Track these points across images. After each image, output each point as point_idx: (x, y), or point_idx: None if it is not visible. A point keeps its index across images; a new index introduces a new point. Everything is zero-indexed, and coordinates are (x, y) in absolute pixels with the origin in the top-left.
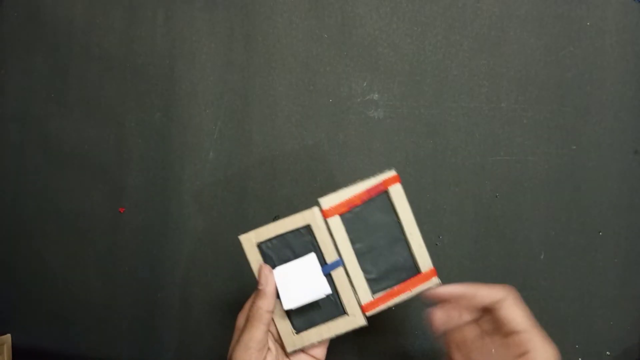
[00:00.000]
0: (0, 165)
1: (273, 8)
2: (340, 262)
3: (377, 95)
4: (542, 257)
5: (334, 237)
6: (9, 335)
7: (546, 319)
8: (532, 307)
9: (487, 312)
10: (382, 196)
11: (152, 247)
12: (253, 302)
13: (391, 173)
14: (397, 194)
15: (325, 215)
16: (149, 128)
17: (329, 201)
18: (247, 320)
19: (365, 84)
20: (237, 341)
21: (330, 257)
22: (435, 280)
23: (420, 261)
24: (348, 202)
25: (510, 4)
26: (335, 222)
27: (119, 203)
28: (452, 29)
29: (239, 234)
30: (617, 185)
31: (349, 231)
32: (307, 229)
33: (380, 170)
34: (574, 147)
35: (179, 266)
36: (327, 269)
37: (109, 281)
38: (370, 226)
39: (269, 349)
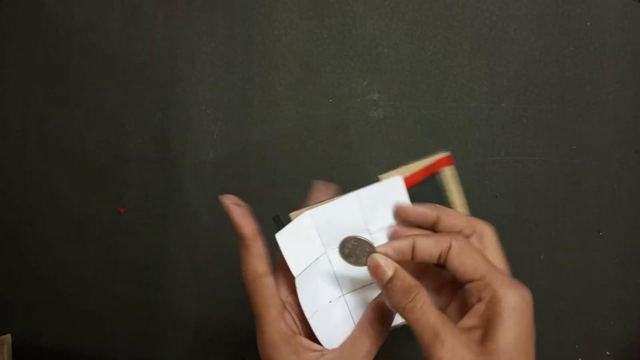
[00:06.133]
0: (0, 165)
1: (273, 8)
2: None
3: (377, 95)
4: (542, 257)
5: None
6: (9, 335)
7: (546, 319)
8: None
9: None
10: (435, 177)
11: (152, 247)
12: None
13: (445, 153)
14: (451, 175)
15: None
16: (149, 128)
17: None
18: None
19: (365, 84)
20: None
21: None
22: None
23: None
24: (407, 180)
25: (510, 4)
26: None
27: (119, 203)
28: (452, 29)
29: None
30: (617, 185)
31: None
32: None
33: (381, 170)
34: (574, 147)
35: (179, 266)
36: None
37: (109, 281)
38: None
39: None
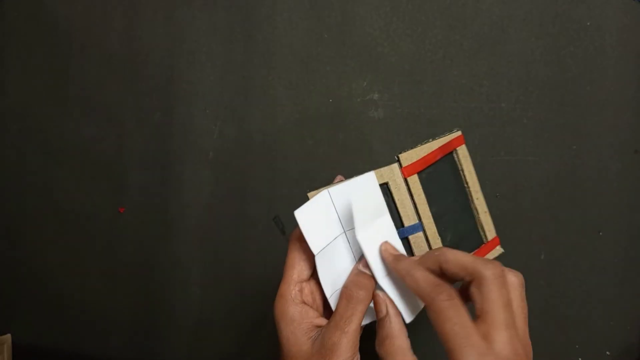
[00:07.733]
0: (0, 164)
1: (273, 8)
2: (420, 227)
3: (377, 95)
4: (542, 257)
5: (414, 198)
6: (9, 335)
7: (546, 319)
8: (532, 307)
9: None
10: (449, 157)
11: (152, 247)
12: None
13: (457, 133)
14: (464, 155)
15: (404, 173)
16: (149, 128)
17: (408, 157)
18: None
19: (365, 84)
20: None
21: (410, 220)
22: (499, 249)
23: (486, 228)
24: (424, 160)
25: (510, 4)
26: (415, 182)
27: (119, 203)
28: (452, 29)
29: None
30: (617, 185)
31: (425, 193)
32: (384, 188)
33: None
34: (574, 147)
35: (178, 266)
36: (404, 233)
37: (109, 281)
38: (441, 189)
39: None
